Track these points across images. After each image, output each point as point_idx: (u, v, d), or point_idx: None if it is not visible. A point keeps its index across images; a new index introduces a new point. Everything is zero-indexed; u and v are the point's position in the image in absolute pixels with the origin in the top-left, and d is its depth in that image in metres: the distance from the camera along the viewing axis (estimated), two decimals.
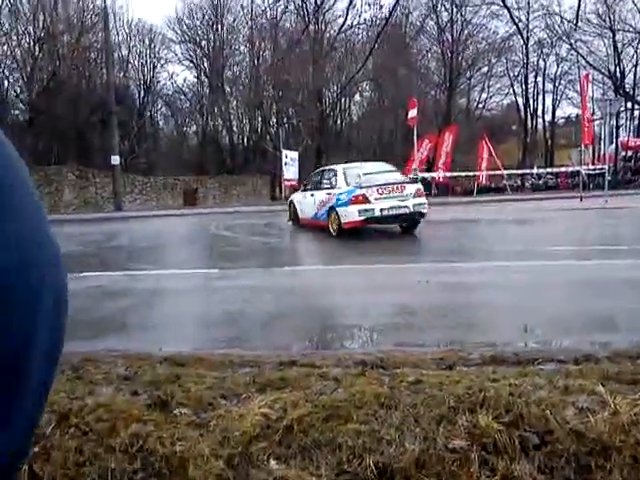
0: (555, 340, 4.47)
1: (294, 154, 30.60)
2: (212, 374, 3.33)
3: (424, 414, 2.78)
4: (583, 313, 5.50)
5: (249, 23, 39.58)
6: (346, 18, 34.74)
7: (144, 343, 4.43)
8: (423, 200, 11.65)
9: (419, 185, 12.06)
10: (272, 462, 2.43)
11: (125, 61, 40.66)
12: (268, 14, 37.69)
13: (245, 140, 44.17)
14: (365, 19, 34.43)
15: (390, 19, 22.18)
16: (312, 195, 12.89)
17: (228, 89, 42.08)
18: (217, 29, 40.85)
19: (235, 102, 43.03)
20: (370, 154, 39.90)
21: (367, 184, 11.14)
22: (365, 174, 11.46)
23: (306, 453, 2.50)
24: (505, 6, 5.00)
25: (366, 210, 11.01)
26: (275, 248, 11.66)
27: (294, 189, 31.91)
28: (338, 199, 11.48)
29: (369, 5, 32.02)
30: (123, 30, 40.33)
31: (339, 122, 43.56)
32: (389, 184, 11.34)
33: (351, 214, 11.15)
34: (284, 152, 29.64)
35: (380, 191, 11.14)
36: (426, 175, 27.74)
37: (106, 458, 2.36)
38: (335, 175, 12.28)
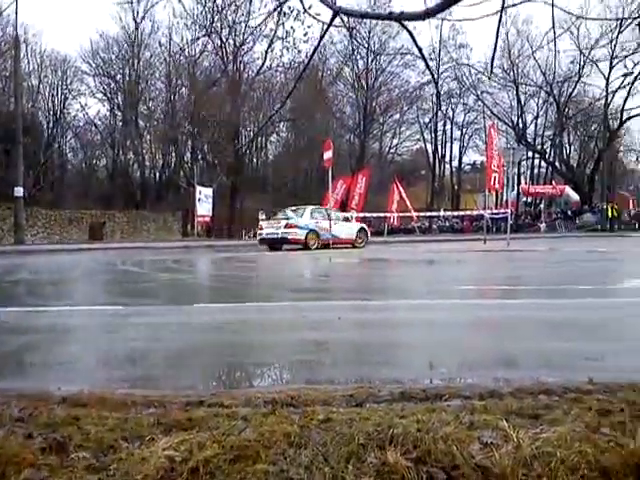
0: (461, 376, 4.58)
1: (208, 190, 30.35)
2: (114, 415, 3.15)
3: (334, 452, 2.74)
4: (487, 350, 5.68)
5: (167, 60, 39.32)
6: (265, 60, 35.30)
7: (42, 383, 4.15)
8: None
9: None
10: None
11: (35, 91, 39.23)
12: (186, 52, 37.66)
13: (157, 175, 43.41)
14: (283, 62, 34.98)
15: (308, 65, 22.70)
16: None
17: (142, 123, 41.39)
18: (133, 64, 40.30)
19: (149, 137, 42.34)
20: (285, 193, 40.23)
21: None
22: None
23: None
24: (422, 56, 5.34)
25: None
26: (185, 285, 11.38)
27: (207, 225, 31.56)
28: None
29: (287, 49, 32.56)
30: (34, 59, 39.00)
31: (255, 160, 43.76)
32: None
33: None
34: (198, 188, 29.34)
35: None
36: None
37: None
38: None
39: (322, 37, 3.08)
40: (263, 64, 35.95)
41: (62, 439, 2.76)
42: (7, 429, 2.95)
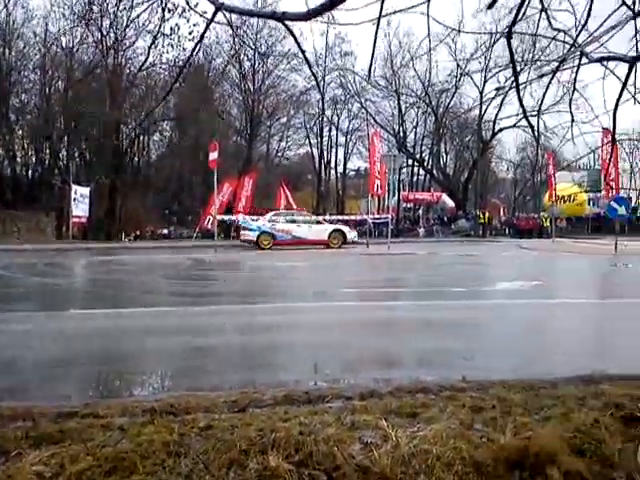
0: (344, 378, 4.66)
1: (85, 190, 28.90)
2: None
3: (214, 460, 2.69)
4: (370, 351, 5.84)
5: (42, 50, 36.93)
6: (148, 56, 34.10)
7: None
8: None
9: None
10: None
11: None
12: (63, 43, 35.58)
13: (30, 172, 40.69)
14: (168, 59, 34.04)
15: (189, 60, 22.24)
16: None
17: (14, 117, 38.60)
18: (4, 53, 37.47)
19: (21, 131, 39.58)
20: (169, 195, 39.19)
21: None
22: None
23: None
24: (305, 59, 5.38)
25: None
26: (59, 290, 10.74)
27: (83, 227, 30.02)
28: None
29: (172, 46, 31.71)
30: None
31: (137, 160, 42.22)
32: None
33: None
34: (74, 187, 27.84)
35: None
36: (226, 218, 27.93)
37: None
38: None
39: (204, 33, 3.00)
40: (146, 60, 34.72)
41: None
42: None
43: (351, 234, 23.87)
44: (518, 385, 3.97)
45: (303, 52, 3.10)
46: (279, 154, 47.48)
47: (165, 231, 35.78)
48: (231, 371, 4.93)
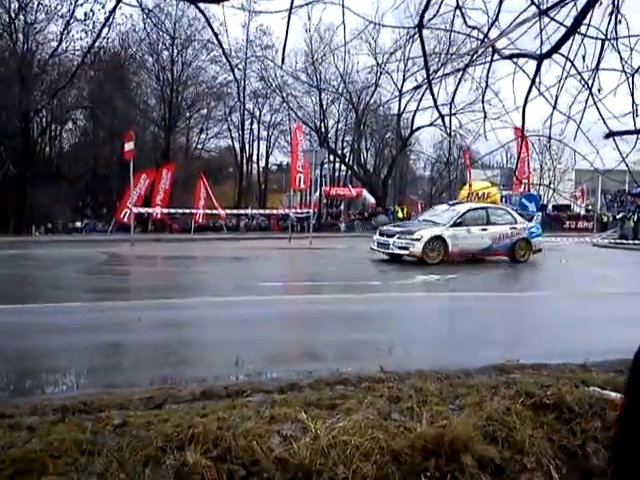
0: (264, 372, 4.66)
1: None
2: None
3: (130, 457, 2.64)
4: (291, 345, 5.87)
5: None
6: (60, 42, 32.58)
7: None
8: None
9: None
10: None
11: None
12: None
13: None
14: (81, 46, 32.62)
15: (94, 44, 21.39)
16: (484, 229, 14.29)
17: None
18: None
19: None
20: (82, 186, 37.70)
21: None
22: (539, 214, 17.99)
23: None
24: (222, 48, 5.24)
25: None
26: None
27: None
28: (530, 232, 15.00)
29: (86, 33, 30.46)
30: None
31: (48, 149, 40.30)
32: None
33: (542, 243, 15.84)
34: None
35: None
36: (142, 211, 27.17)
37: None
38: (509, 213, 15.62)
39: (112, 11, 2.90)
40: (58, 46, 33.13)
41: None
42: None
43: None
44: (434, 375, 4.10)
45: (216, 35, 3.03)
46: (199, 146, 46.64)
47: (78, 224, 34.39)
48: (147, 368, 4.83)
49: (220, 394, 3.59)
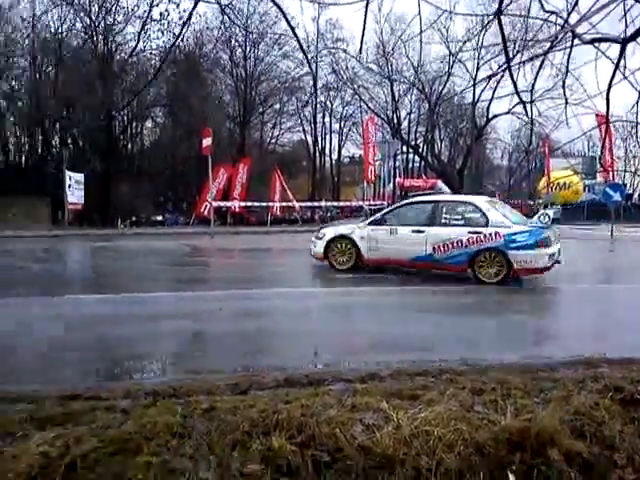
0: (342, 361, 4.69)
1: (79, 176, 28.71)
2: None
3: (218, 441, 2.72)
4: (368, 335, 5.87)
5: (30, 36, 36.52)
6: (137, 42, 33.78)
7: None
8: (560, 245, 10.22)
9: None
10: None
11: None
12: (52, 28, 35.17)
13: (23, 159, 40.40)
14: (158, 45, 33.71)
15: (177, 41, 22.06)
16: (418, 231, 10.14)
17: (4, 103, 38.25)
18: None
19: (12, 118, 39.23)
20: (163, 181, 39.01)
21: (547, 224, 9.83)
22: (546, 213, 10.23)
23: None
24: (298, 41, 5.29)
25: (552, 254, 9.53)
26: (56, 275, 10.72)
27: (78, 213, 29.89)
28: (510, 240, 9.45)
29: (162, 32, 31.44)
30: None
31: (130, 146, 41.97)
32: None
33: (540, 259, 9.34)
34: (68, 174, 27.65)
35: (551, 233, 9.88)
36: (221, 204, 27.86)
37: None
38: (478, 210, 10.00)
39: (192, 12, 2.99)
40: (136, 46, 34.33)
41: None
42: None
43: None
44: (517, 368, 4.02)
45: (293, 29, 3.07)
46: (273, 141, 47.31)
47: (160, 218, 35.65)
48: (230, 355, 4.96)
49: (302, 382, 3.65)
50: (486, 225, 9.70)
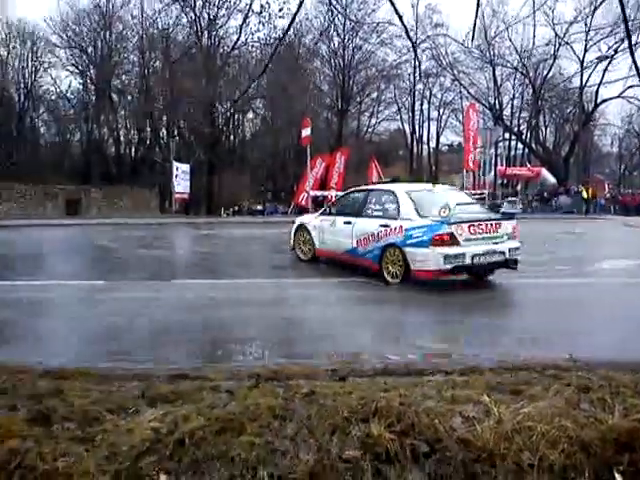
0: (442, 352, 4.64)
1: (185, 167, 29.97)
2: (98, 388, 3.15)
3: (318, 425, 2.77)
4: (469, 327, 5.76)
5: (139, 32, 38.49)
6: (239, 35, 34.69)
7: (24, 356, 4.11)
8: (518, 243, 8.53)
9: (515, 222, 8.69)
10: (162, 477, 2.33)
11: (4, 62, 38.18)
12: (159, 25, 36.89)
13: (133, 150, 42.77)
14: (259, 37, 34.58)
15: (283, 39, 22.41)
16: (347, 223, 9.29)
17: (116, 97, 40.62)
18: (105, 36, 39.33)
19: (123, 111, 41.61)
20: (263, 171, 40.03)
21: (457, 219, 7.95)
22: (457, 204, 8.14)
23: (198, 467, 2.42)
24: (403, 24, 5.18)
25: (455, 256, 7.79)
26: (164, 261, 11.29)
27: (184, 202, 31.30)
28: (408, 235, 8.12)
29: (263, 24, 32.04)
30: (2, 29, 37.89)
31: (232, 138, 43.33)
32: (482, 220, 8.24)
33: (433, 259, 7.81)
34: (175, 164, 28.95)
35: (472, 230, 8.06)
36: (318, 194, 28.18)
37: None
38: (395, 200, 8.76)
39: (300, 6, 3.03)
40: (238, 39, 35.38)
41: (46, 411, 2.76)
42: None
43: None
44: (627, 366, 3.81)
45: (400, 17, 3.04)
46: (370, 130, 47.21)
47: (260, 207, 36.63)
48: (326, 341, 5.02)
49: (401, 371, 3.65)
50: (397, 217, 8.45)
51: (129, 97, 40.60)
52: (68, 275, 8.81)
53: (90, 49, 40.25)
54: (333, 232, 9.58)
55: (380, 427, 2.75)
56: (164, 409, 2.86)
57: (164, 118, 39.32)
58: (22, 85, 40.23)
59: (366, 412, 2.87)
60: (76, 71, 41.36)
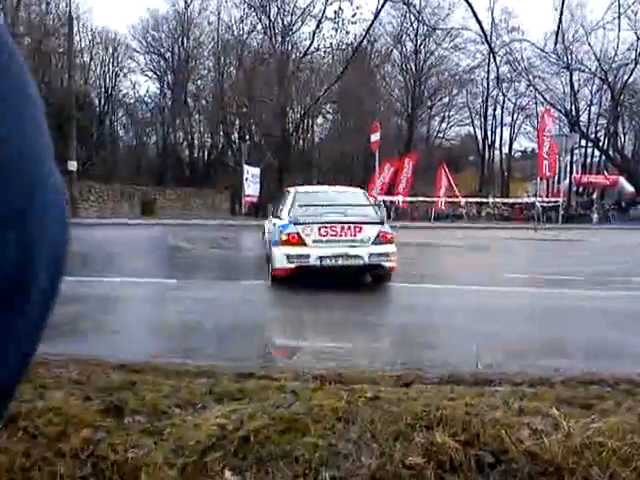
0: (508, 363, 4.53)
1: (256, 170, 30.51)
2: (168, 382, 3.26)
3: (381, 430, 2.77)
4: (536, 338, 5.61)
5: (215, 39, 39.58)
6: (312, 41, 35.10)
7: (98, 350, 4.31)
8: (388, 249, 8.25)
9: (385, 227, 8.46)
10: (227, 473, 2.38)
11: (87, 68, 40.04)
12: (235, 31, 37.79)
13: (206, 153, 43.92)
14: (331, 43, 34.87)
15: (360, 45, 22.49)
16: (273, 224, 9.11)
17: (191, 102, 41.86)
18: (182, 42, 40.67)
19: (197, 115, 42.82)
20: (331, 175, 40.22)
21: (308, 219, 8.13)
22: (314, 204, 8.47)
23: (262, 465, 2.46)
24: (481, 27, 5.07)
25: (299, 256, 7.91)
26: (232, 261, 11.55)
27: (254, 205, 31.87)
28: (274, 234, 8.46)
29: (335, 30, 32.31)
30: (86, 36, 39.76)
31: (302, 142, 43.79)
32: (338, 222, 8.15)
33: (279, 258, 8.00)
34: (245, 168, 29.52)
35: (324, 231, 8.07)
36: (386, 199, 28.07)
37: (55, 463, 2.27)
38: (285, 199, 9.24)
39: (378, 13, 3.05)
40: (311, 44, 35.86)
41: (119, 403, 2.87)
42: (66, 391, 3.09)
43: None
44: None
45: (479, 22, 3.01)
46: (440, 135, 46.63)
47: None
48: (394, 347, 5.01)
49: (467, 380, 3.59)
50: (280, 217, 8.74)
51: (203, 102, 41.73)
52: (141, 273, 9.14)
53: (168, 54, 41.69)
54: (269, 234, 9.44)
55: (444, 435, 2.72)
56: (230, 406, 2.93)
57: (236, 122, 40.19)
58: (103, 89, 42.06)
59: (430, 420, 2.84)
60: (154, 76, 42.92)
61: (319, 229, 8.04)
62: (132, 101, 44.07)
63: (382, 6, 2.59)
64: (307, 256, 7.89)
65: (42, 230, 0.36)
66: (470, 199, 32.64)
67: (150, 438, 2.57)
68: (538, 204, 25.37)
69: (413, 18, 27.54)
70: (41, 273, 0.36)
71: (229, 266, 10.78)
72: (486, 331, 5.67)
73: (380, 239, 8.20)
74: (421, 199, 30.01)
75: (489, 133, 45.05)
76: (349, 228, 8.15)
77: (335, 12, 33.21)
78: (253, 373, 3.58)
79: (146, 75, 43.24)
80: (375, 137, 21.93)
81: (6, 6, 32.10)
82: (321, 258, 7.90)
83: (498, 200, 33.62)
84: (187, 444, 2.54)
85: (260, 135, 39.39)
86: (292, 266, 7.88)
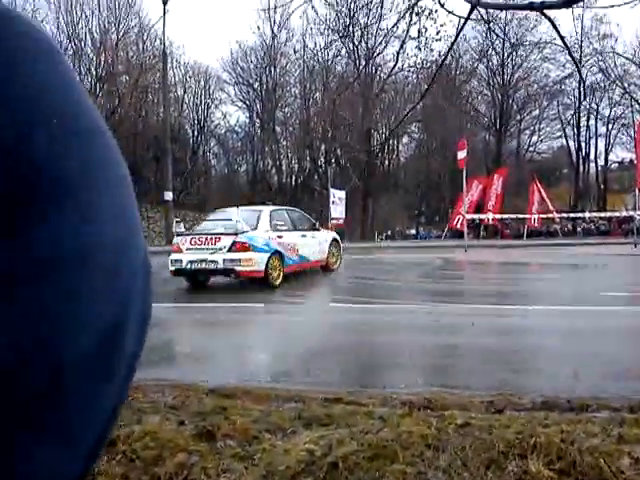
0: (607, 387, 4.30)
1: (341, 193, 30.72)
2: (258, 407, 3.34)
3: (473, 458, 2.71)
4: (634, 360, 5.30)
5: (301, 66, 40.56)
6: (397, 61, 35.12)
7: (191, 374, 4.48)
8: (241, 255, 9.96)
9: (241, 238, 10.09)
10: None
11: (180, 101, 42.06)
12: (319, 57, 38.53)
13: (293, 178, 44.81)
14: (415, 62, 34.73)
15: (444, 62, 22.28)
16: None
17: (279, 129, 42.95)
18: (270, 71, 41.96)
19: (285, 142, 43.85)
20: (416, 195, 39.90)
21: (187, 232, 10.98)
22: (205, 220, 11.68)
23: None
24: (565, 44, 4.97)
25: (176, 261, 10.32)
26: (319, 285, 11.66)
27: (341, 228, 32.07)
28: None
29: (419, 49, 32.12)
30: (179, 71, 41.85)
31: (387, 163, 43.78)
32: (203, 234, 10.47)
33: (169, 263, 10.42)
34: (332, 191, 29.80)
35: (193, 241, 10.35)
36: (475, 217, 27.47)
37: None
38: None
39: (460, 31, 3.04)
40: (395, 65, 35.83)
41: (211, 428, 2.98)
42: (162, 415, 3.24)
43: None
44: None
45: (562, 38, 2.95)
46: (530, 149, 45.19)
47: (413, 231, 36.50)
48: (482, 372, 4.88)
49: (562, 406, 3.45)
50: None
51: (290, 128, 42.72)
52: (229, 298, 9.41)
53: (256, 84, 43.13)
54: None
55: (539, 464, 2.62)
56: (319, 432, 2.96)
57: (322, 147, 40.80)
58: (196, 121, 44.00)
59: (524, 447, 2.75)
60: (243, 106, 44.47)
61: (190, 239, 10.39)
62: (223, 131, 45.85)
63: (462, 27, 2.59)
64: (181, 261, 10.18)
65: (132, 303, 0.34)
66: (565, 214, 31.31)
67: (241, 463, 2.64)
68: (637, 217, 23.90)
69: (497, 37, 27.07)
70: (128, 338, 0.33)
71: (319, 288, 10.85)
72: (582, 353, 5.42)
73: (234, 247, 10.02)
74: (512, 216, 29.08)
75: (583, 145, 43.25)
76: (211, 238, 10.23)
77: (419, 31, 33.14)
78: (341, 398, 3.61)
79: (236, 105, 44.94)
80: (462, 154, 21.57)
81: (106, 46, 34.42)
82: (190, 262, 10.06)
83: (594, 214, 32.04)
84: (277, 469, 2.59)
85: (346, 158, 39.75)
86: (174, 269, 10.32)
